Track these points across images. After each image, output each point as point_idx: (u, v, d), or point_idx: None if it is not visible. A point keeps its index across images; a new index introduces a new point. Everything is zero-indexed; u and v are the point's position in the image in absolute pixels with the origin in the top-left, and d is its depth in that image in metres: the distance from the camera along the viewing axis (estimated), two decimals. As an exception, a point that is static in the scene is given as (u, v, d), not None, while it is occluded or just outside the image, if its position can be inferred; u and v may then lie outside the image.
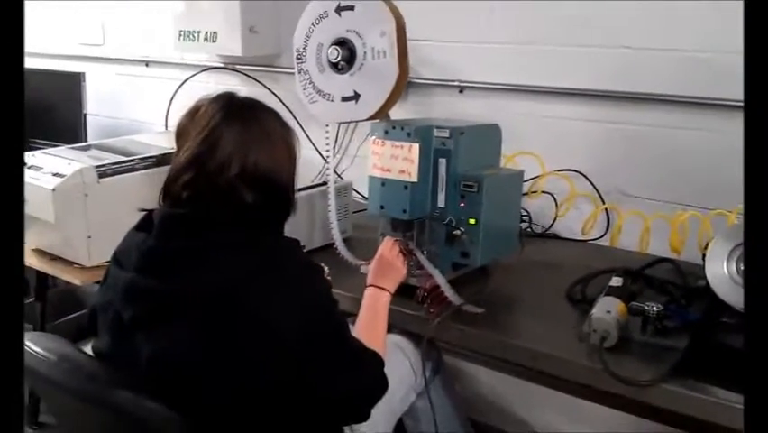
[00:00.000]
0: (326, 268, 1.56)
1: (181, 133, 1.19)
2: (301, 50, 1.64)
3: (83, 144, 2.57)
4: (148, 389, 1.05)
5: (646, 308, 1.39)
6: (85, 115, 2.93)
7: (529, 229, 2.05)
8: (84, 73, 2.90)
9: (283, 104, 2.40)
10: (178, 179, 1.16)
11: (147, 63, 2.97)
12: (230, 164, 1.14)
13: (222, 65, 2.65)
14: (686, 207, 1.85)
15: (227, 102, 1.20)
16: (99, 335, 1.19)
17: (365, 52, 1.54)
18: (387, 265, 1.48)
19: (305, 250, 1.82)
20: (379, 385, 1.23)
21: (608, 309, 1.34)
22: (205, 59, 2.71)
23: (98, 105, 3.16)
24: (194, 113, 1.19)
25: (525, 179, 1.74)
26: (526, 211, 2.01)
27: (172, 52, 2.75)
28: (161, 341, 1.08)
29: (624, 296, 1.41)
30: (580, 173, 1.99)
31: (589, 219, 1.79)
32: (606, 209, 1.94)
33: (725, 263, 1.36)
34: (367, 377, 1.22)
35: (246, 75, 2.57)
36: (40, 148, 2.44)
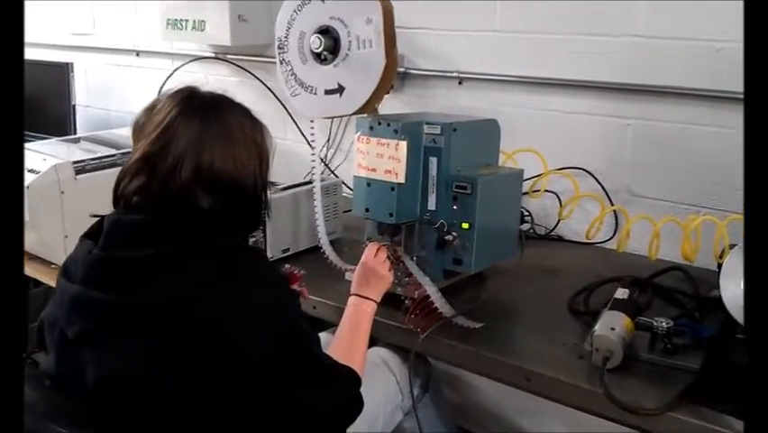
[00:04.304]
0: (301, 271, 1.47)
1: (137, 131, 1.08)
2: (282, 38, 1.52)
3: (72, 137, 2.50)
4: (94, 414, 0.95)
5: (655, 324, 1.27)
6: (74, 106, 2.84)
7: (531, 231, 1.92)
8: (72, 63, 2.81)
9: (275, 96, 2.31)
10: (130, 181, 1.05)
11: (137, 53, 2.87)
12: (182, 164, 1.03)
13: (212, 55, 2.54)
14: (700, 208, 1.73)
15: (186, 97, 1.08)
16: (48, 352, 1.08)
17: (350, 41, 1.41)
18: (371, 273, 1.36)
19: (289, 253, 1.73)
20: (351, 405, 1.13)
21: (612, 326, 1.22)
22: (194, 49, 2.59)
23: (89, 96, 3.07)
24: (151, 108, 1.08)
25: (526, 177, 1.62)
26: (528, 211, 1.88)
27: (162, 42, 2.65)
28: (109, 360, 0.97)
29: (630, 310, 1.29)
30: (587, 171, 1.86)
31: (595, 222, 1.66)
32: (614, 211, 1.81)
33: (743, 282, 1.17)
34: (337, 395, 1.11)
35: (236, 65, 2.46)
36: (29, 141, 2.36)
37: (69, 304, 1.01)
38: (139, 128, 1.08)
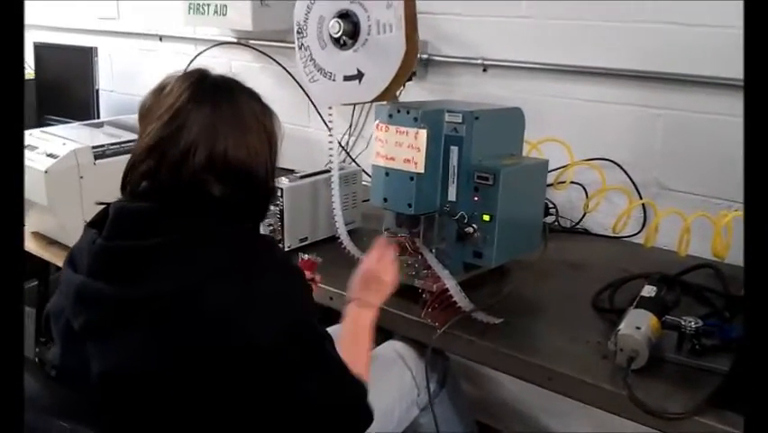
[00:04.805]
0: (318, 259, 1.43)
1: (144, 115, 1.05)
2: (302, 23, 1.48)
3: (95, 121, 2.50)
4: (98, 407, 0.92)
5: (683, 323, 1.21)
6: (97, 90, 2.84)
7: (556, 223, 1.87)
8: (96, 48, 2.80)
9: (296, 81, 2.26)
10: (137, 167, 1.02)
11: (161, 38, 2.85)
12: (195, 151, 0.99)
13: (234, 40, 2.51)
14: (732, 203, 1.65)
15: (198, 80, 1.05)
16: (54, 343, 1.06)
17: (370, 26, 1.37)
18: (372, 278, 1.29)
19: (307, 242, 1.70)
20: (362, 412, 1.07)
21: (637, 325, 1.17)
22: (217, 34, 2.57)
23: (113, 80, 3.06)
24: (159, 91, 1.05)
25: (551, 168, 1.56)
26: (552, 204, 1.82)
27: (185, 27, 2.62)
28: (114, 353, 0.95)
29: (657, 308, 1.23)
30: (615, 163, 1.80)
31: (622, 216, 1.60)
32: (642, 205, 1.75)
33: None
34: (348, 398, 1.06)
35: (258, 50, 2.42)
36: (52, 125, 2.36)
37: (74, 295, 0.99)
38: (146, 111, 1.05)
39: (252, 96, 1.09)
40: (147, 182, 1.02)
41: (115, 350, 0.95)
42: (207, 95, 1.03)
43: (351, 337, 1.20)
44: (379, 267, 1.30)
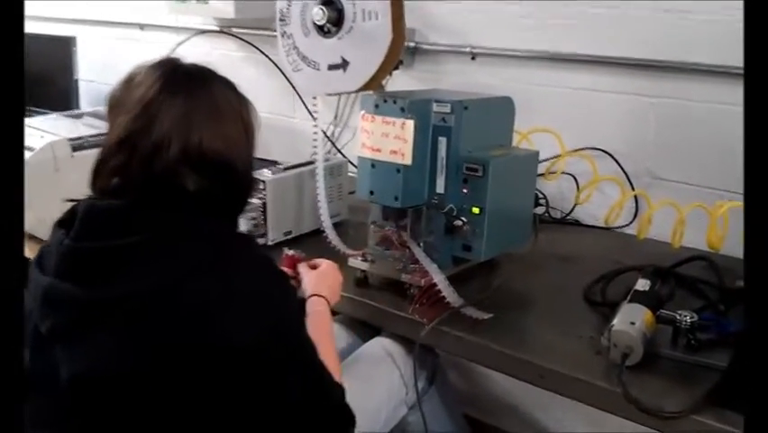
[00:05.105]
0: (302, 255, 1.39)
1: (113, 107, 1.00)
2: (284, 10, 1.43)
3: (75, 112, 2.44)
4: (68, 414, 0.88)
5: (678, 317, 1.18)
6: (76, 81, 2.78)
7: (546, 215, 1.83)
8: (75, 37, 2.74)
9: (280, 71, 2.21)
10: (107, 162, 0.97)
11: (142, 27, 2.78)
12: (168, 144, 0.94)
13: (217, 28, 2.45)
14: (725, 193, 1.62)
15: (169, 69, 1.00)
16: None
17: (355, 13, 1.32)
18: (323, 275, 1.31)
19: (291, 236, 1.66)
20: (342, 420, 1.04)
21: (632, 320, 1.14)
22: (199, 23, 2.50)
23: (93, 70, 2.99)
24: (129, 82, 1.00)
25: (542, 158, 1.52)
26: (543, 194, 1.79)
27: (167, 16, 2.55)
28: (84, 356, 0.90)
29: (651, 302, 1.20)
30: (606, 152, 1.76)
31: (614, 207, 1.56)
32: (636, 200, 1.71)
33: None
34: (330, 401, 1.02)
35: (241, 39, 2.37)
36: (32, 116, 2.30)
37: (42, 297, 0.94)
38: (115, 103, 1.00)
39: (227, 84, 1.04)
40: (118, 178, 0.97)
41: (85, 353, 0.91)
42: (180, 84, 0.98)
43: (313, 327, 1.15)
44: (330, 274, 1.31)
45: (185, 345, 0.89)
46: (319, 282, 1.27)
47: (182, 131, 0.95)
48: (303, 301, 1.22)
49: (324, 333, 1.14)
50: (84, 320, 0.90)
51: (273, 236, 1.60)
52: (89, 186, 1.01)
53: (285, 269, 1.35)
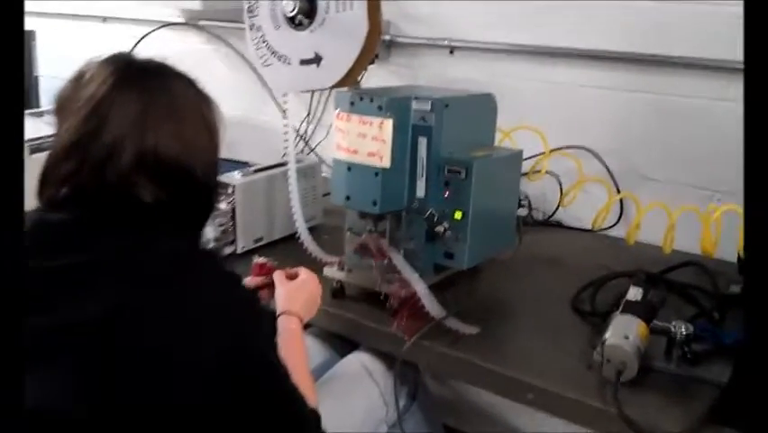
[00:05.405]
0: (274, 262, 1.31)
1: (61, 107, 0.91)
2: (253, 1, 1.34)
3: (35, 111, 2.33)
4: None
5: (672, 329, 1.11)
6: (36, 77, 2.65)
7: (528, 216, 1.76)
8: (34, 31, 2.61)
9: (250, 65, 2.12)
10: (55, 170, 0.88)
11: (104, 19, 2.66)
12: (121, 149, 0.86)
13: (183, 21, 2.34)
14: (715, 192, 1.57)
15: (123, 65, 0.91)
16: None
17: (328, 4, 1.24)
18: (298, 288, 1.20)
19: (263, 242, 1.56)
20: None
21: (625, 334, 1.07)
22: (165, 15, 2.39)
23: (54, 66, 2.86)
24: (78, 79, 0.90)
25: (524, 157, 1.45)
26: (525, 195, 1.72)
27: (131, 7, 2.45)
28: (32, 392, 0.80)
29: (644, 313, 1.13)
30: (591, 151, 1.70)
31: (601, 212, 1.50)
32: (621, 200, 1.65)
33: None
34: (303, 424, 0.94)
35: (209, 32, 2.26)
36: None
37: None
38: (63, 103, 0.90)
39: (187, 81, 0.95)
40: (67, 188, 0.88)
41: (34, 389, 0.81)
42: (133, 82, 0.89)
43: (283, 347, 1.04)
44: (305, 287, 1.21)
45: (137, 377, 0.80)
46: (292, 297, 1.17)
47: (136, 134, 0.86)
48: (275, 318, 1.13)
49: (296, 354, 1.05)
50: (31, 353, 0.80)
51: (243, 244, 1.51)
52: (36, 196, 0.91)
53: (252, 280, 1.27)
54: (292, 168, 1.46)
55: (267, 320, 1.04)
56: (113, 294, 0.81)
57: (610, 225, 1.68)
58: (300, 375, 0.97)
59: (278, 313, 1.13)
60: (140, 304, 0.81)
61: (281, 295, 1.17)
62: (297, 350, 1.07)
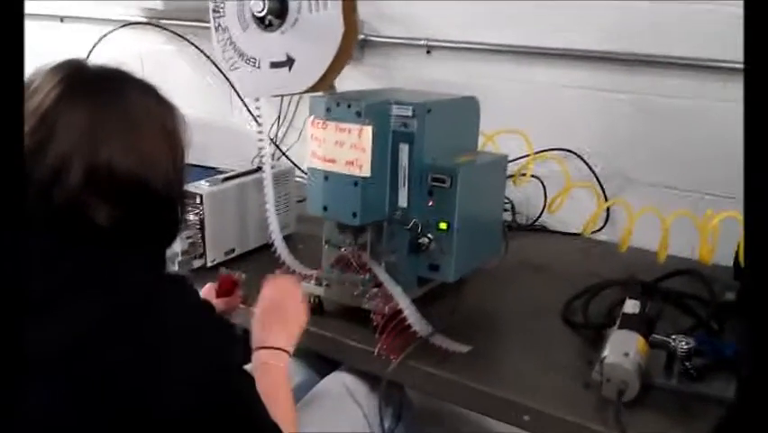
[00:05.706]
0: (241, 275, 1.26)
1: None
2: (218, 0, 1.25)
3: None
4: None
5: (672, 343, 1.05)
6: (-10, 80, 2.51)
7: (513, 221, 1.70)
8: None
9: (217, 67, 2.02)
10: None
11: (62, 19, 2.54)
12: (69, 166, 0.77)
13: (144, 20, 2.23)
14: (705, 195, 1.52)
15: (72, 72, 0.82)
16: None
17: (300, 3, 1.15)
18: (275, 311, 1.09)
19: (235, 254, 1.48)
20: None
21: (625, 351, 1.01)
22: (125, 14, 2.28)
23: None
24: (24, 89, 0.81)
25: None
26: (508, 199, 1.66)
27: (90, 6, 2.34)
28: None
29: (643, 327, 1.08)
30: (576, 154, 1.64)
31: (590, 222, 1.45)
32: (608, 208, 1.59)
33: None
34: None
35: (172, 32, 2.16)
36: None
37: None
38: None
39: (145, 89, 0.86)
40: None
41: None
42: (84, 91, 0.81)
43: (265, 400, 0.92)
44: (285, 294, 1.12)
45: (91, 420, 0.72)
46: (266, 326, 1.07)
47: (86, 149, 0.78)
48: (247, 343, 1.05)
49: (275, 387, 0.97)
50: None
51: (213, 256, 1.42)
52: None
53: (215, 300, 1.20)
54: (268, 179, 1.39)
55: (237, 348, 0.96)
56: (58, 332, 0.73)
57: (597, 228, 1.63)
58: (280, 409, 0.89)
59: (253, 347, 1.04)
60: (89, 343, 0.73)
61: (253, 324, 1.08)
62: (276, 383, 0.98)
